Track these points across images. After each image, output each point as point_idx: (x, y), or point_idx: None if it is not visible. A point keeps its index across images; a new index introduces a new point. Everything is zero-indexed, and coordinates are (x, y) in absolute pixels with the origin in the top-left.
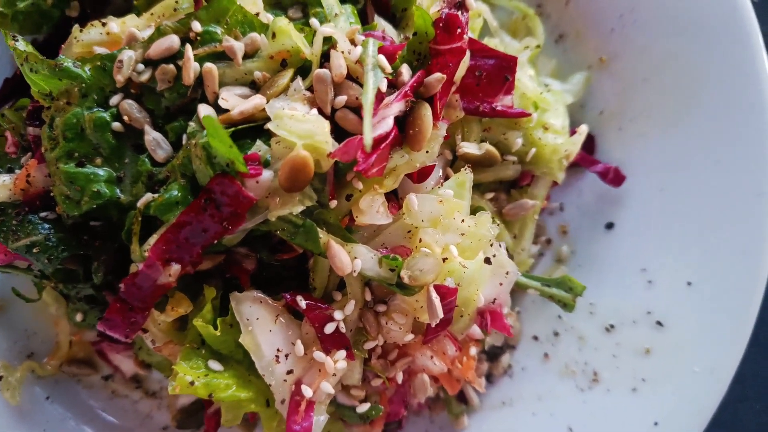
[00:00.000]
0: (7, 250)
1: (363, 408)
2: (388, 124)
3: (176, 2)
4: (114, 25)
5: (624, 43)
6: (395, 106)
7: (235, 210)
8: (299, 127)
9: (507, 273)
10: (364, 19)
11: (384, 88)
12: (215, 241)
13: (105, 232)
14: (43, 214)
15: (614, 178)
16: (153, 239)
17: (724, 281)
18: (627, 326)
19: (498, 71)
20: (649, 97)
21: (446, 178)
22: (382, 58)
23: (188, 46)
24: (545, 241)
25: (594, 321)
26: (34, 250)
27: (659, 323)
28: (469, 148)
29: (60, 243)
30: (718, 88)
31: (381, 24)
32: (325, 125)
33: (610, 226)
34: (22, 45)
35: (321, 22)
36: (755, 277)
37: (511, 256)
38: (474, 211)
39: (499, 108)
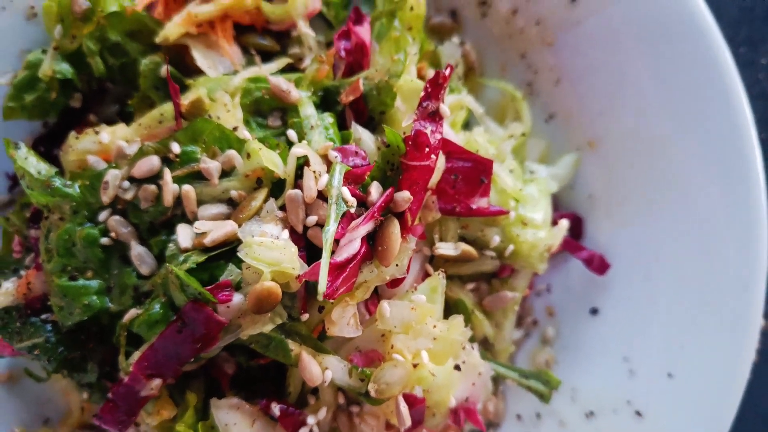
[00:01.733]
0: (13, 349)
1: None
2: (354, 247)
3: (161, 114)
4: (105, 135)
5: (612, 127)
6: (362, 229)
7: (208, 333)
8: (267, 255)
9: (480, 374)
10: (343, 123)
11: (348, 219)
12: (192, 359)
13: (98, 334)
14: (43, 316)
15: (599, 266)
16: (136, 356)
17: (705, 375)
18: (607, 414)
19: (474, 174)
20: (636, 183)
21: (425, 274)
22: (345, 191)
23: (167, 170)
24: (531, 322)
25: (575, 406)
26: (35, 352)
27: (638, 413)
28: (446, 249)
29: (59, 344)
30: (706, 178)
31: (358, 132)
32: (293, 251)
33: (594, 311)
34: (23, 152)
35: (298, 134)
36: (736, 373)
37: (492, 345)
38: (454, 303)
39: (475, 208)
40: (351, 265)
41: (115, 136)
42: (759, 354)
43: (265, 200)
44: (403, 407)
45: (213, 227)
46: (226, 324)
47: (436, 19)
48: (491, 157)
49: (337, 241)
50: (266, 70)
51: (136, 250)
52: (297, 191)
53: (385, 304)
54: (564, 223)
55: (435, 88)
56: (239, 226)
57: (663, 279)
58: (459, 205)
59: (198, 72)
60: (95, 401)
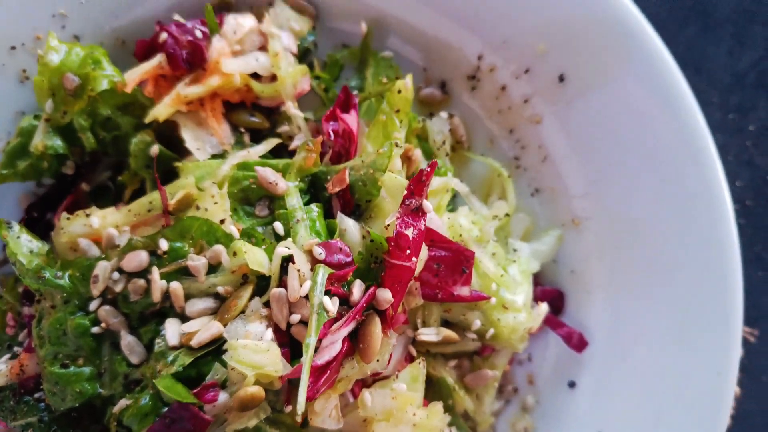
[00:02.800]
0: (6, 426)
1: None
2: (336, 348)
3: (150, 203)
4: (96, 219)
5: (596, 208)
6: (344, 330)
7: (195, 428)
8: (252, 358)
9: None
10: (329, 210)
11: (330, 321)
12: None
13: (91, 414)
14: (37, 395)
15: (577, 343)
16: None
17: None
18: None
19: (456, 263)
20: (617, 263)
21: (409, 355)
22: (327, 301)
23: (155, 269)
24: (512, 389)
25: None
26: (29, 431)
27: None
28: (428, 335)
29: (52, 423)
30: (686, 264)
31: (344, 223)
32: (276, 353)
33: (572, 384)
34: (15, 231)
35: (284, 227)
36: None
37: (472, 418)
38: (436, 380)
39: (456, 294)
40: (332, 365)
41: (105, 221)
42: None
43: (251, 297)
44: None
45: (200, 326)
46: (211, 422)
47: (426, 90)
48: (475, 239)
49: (319, 340)
50: (254, 153)
51: (126, 339)
52: (281, 290)
53: (366, 393)
54: (544, 307)
55: (418, 185)
56: (225, 324)
57: (640, 360)
58: (441, 292)
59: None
60: None
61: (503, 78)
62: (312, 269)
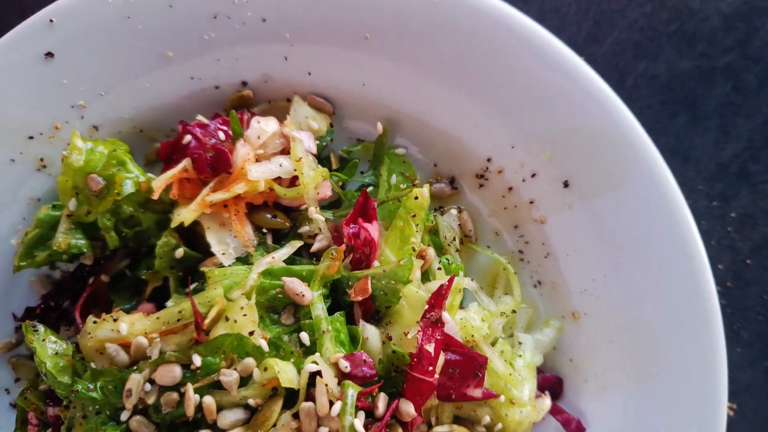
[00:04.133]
0: None
1: None
2: None
3: (179, 312)
4: (124, 326)
5: (595, 304)
6: None
7: None
8: None
9: None
10: (350, 316)
11: None
12: None
13: None
14: None
15: (575, 429)
16: None
17: None
18: None
19: (470, 367)
20: (614, 357)
21: None
22: (357, 424)
23: (189, 386)
24: None
25: None
26: None
27: None
28: None
29: None
30: (679, 359)
31: (366, 331)
32: None
33: None
34: (41, 333)
35: (310, 337)
36: None
37: None
38: None
39: (469, 395)
40: None
41: (133, 328)
42: None
43: (281, 411)
44: None
45: None
46: None
47: (437, 186)
48: (484, 337)
49: None
50: (279, 258)
51: None
52: (310, 404)
53: None
54: (547, 402)
55: (438, 299)
56: None
57: None
58: (455, 393)
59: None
60: None
61: (510, 179)
62: (339, 383)
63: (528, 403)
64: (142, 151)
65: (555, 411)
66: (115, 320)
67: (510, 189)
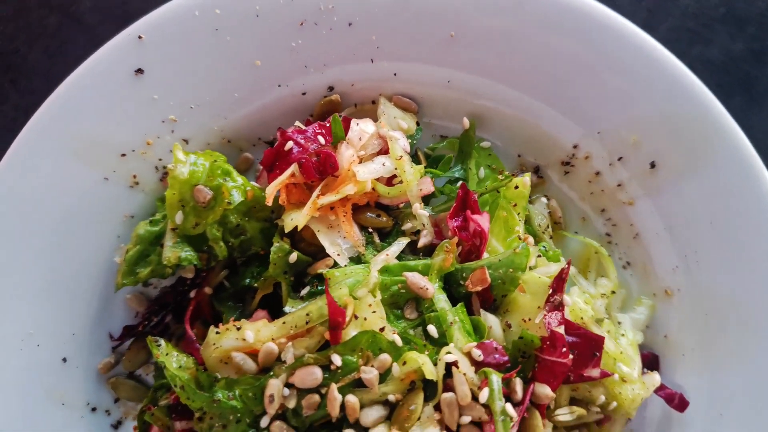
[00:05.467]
0: None
1: None
2: None
3: (307, 315)
4: (250, 334)
5: (688, 280)
6: (513, 430)
7: None
8: None
9: None
10: (470, 309)
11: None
12: None
13: None
14: None
15: (679, 404)
16: None
17: None
18: None
19: (588, 348)
20: (710, 332)
21: None
22: (509, 407)
23: (333, 386)
24: None
25: None
26: None
27: None
28: (563, 415)
29: None
30: None
31: (488, 320)
32: None
33: None
34: (163, 348)
35: (438, 330)
36: None
37: None
38: None
39: (586, 376)
40: None
41: (259, 335)
42: None
43: (423, 404)
44: None
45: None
46: None
47: None
48: (591, 319)
49: None
50: (392, 255)
51: None
52: (451, 395)
53: None
54: (656, 377)
55: (559, 283)
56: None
57: (737, 415)
58: (573, 375)
59: (314, 247)
60: None
61: (597, 165)
62: (476, 372)
63: (637, 380)
64: (232, 162)
65: (657, 388)
66: (238, 329)
67: (597, 174)
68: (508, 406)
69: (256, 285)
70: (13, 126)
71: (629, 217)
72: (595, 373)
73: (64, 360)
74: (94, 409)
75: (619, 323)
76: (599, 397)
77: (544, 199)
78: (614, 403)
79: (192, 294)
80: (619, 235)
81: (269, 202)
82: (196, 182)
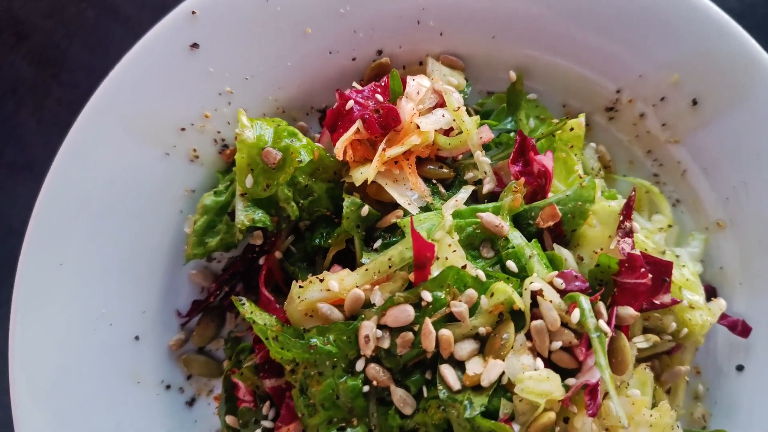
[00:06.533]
0: None
1: None
2: (596, 374)
3: (389, 260)
4: (334, 283)
5: (739, 211)
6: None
7: None
8: (540, 387)
9: None
10: (542, 246)
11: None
12: None
13: None
14: None
15: (742, 330)
16: None
17: None
18: None
19: (658, 275)
20: (765, 257)
21: None
22: (602, 323)
23: (427, 320)
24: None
25: None
26: None
27: None
28: (640, 343)
29: None
30: None
31: (562, 253)
32: (558, 380)
33: (740, 368)
34: (247, 307)
35: (517, 264)
36: None
37: None
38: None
39: (658, 303)
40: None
41: (344, 284)
42: None
43: (514, 333)
44: None
45: (479, 367)
46: None
47: None
48: (654, 251)
49: (583, 362)
50: (461, 200)
51: (397, 393)
52: (540, 322)
53: (610, 403)
54: (722, 302)
55: (628, 210)
56: (496, 361)
57: None
58: (646, 302)
59: (379, 204)
60: None
61: (641, 107)
62: (561, 299)
63: (704, 306)
64: None
65: (720, 317)
66: (321, 281)
67: (641, 116)
68: (601, 323)
69: (329, 242)
70: (56, 120)
71: (676, 156)
72: (666, 299)
73: (137, 338)
74: (168, 387)
75: (677, 256)
76: (670, 324)
77: (593, 144)
78: (685, 330)
79: (261, 261)
80: (667, 174)
81: (340, 157)
82: (264, 145)
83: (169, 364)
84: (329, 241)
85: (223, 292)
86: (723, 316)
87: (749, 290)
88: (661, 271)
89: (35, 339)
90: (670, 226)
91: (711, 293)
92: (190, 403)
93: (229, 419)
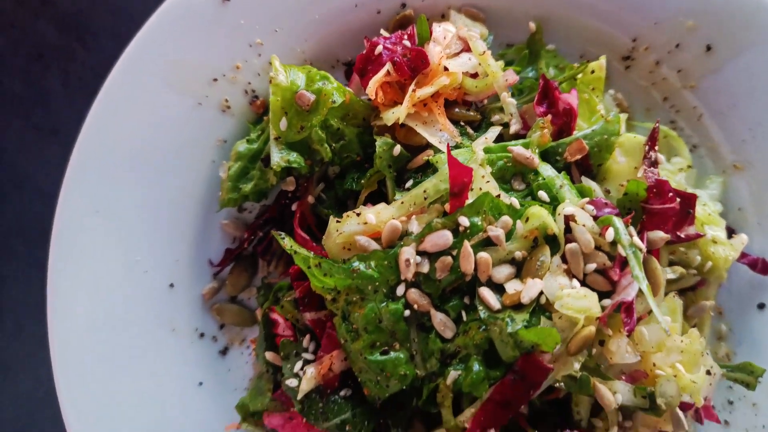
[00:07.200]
0: (311, 427)
1: None
2: (635, 288)
3: (424, 192)
4: (371, 216)
5: (756, 151)
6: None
7: (537, 380)
8: (578, 304)
9: (714, 374)
10: (570, 179)
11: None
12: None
13: (399, 401)
14: (342, 393)
15: (762, 268)
16: (470, 412)
17: None
18: None
19: (682, 207)
20: None
21: None
22: (636, 240)
23: (466, 242)
24: None
25: (762, 389)
26: (347, 428)
27: None
28: (668, 275)
29: (364, 417)
30: None
31: (590, 184)
32: (595, 298)
33: (761, 306)
34: (288, 242)
35: (548, 194)
36: None
37: None
38: None
39: (683, 236)
40: (634, 304)
41: (381, 217)
42: None
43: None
44: (681, 414)
45: (515, 287)
46: (552, 371)
47: None
48: (676, 187)
49: (617, 282)
50: (490, 139)
51: (438, 317)
52: (575, 245)
53: (643, 329)
54: (744, 237)
55: (652, 141)
56: (534, 280)
57: None
58: (672, 234)
59: (408, 148)
60: None
61: (657, 55)
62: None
63: (726, 242)
64: None
65: (740, 256)
66: (358, 215)
67: (657, 63)
68: (636, 239)
69: (361, 182)
70: (83, 84)
71: (692, 101)
72: (691, 230)
73: (171, 285)
74: (202, 335)
75: (698, 197)
76: (695, 258)
77: (611, 92)
78: (709, 264)
79: (294, 207)
80: (684, 120)
81: (372, 96)
82: (297, 89)
83: (202, 313)
84: (362, 181)
85: (256, 239)
86: (743, 255)
87: (766, 232)
88: (685, 203)
89: (72, 286)
90: (689, 167)
91: (730, 234)
92: (223, 352)
93: (269, 355)
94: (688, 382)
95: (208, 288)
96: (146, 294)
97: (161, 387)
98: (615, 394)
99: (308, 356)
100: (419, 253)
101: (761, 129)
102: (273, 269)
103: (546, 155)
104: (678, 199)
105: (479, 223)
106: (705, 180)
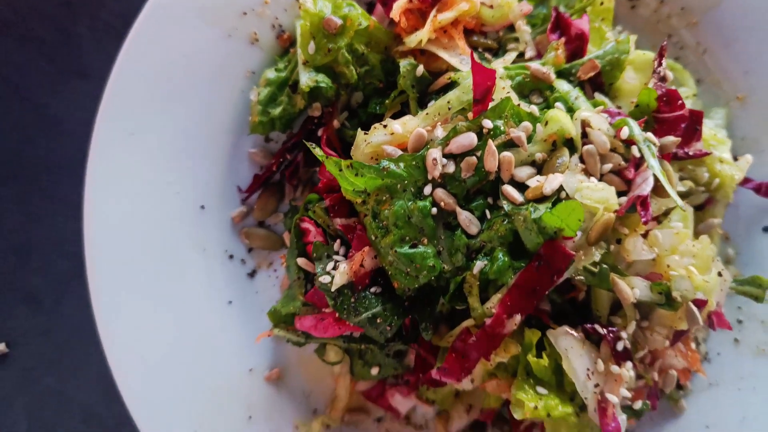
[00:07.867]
0: (342, 324)
1: (637, 405)
2: (650, 183)
3: (448, 102)
4: (398, 126)
5: (759, 82)
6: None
7: (560, 267)
8: (596, 195)
9: (725, 280)
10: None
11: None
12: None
13: (426, 296)
14: (372, 290)
15: (766, 191)
16: (496, 298)
17: None
18: None
19: (690, 123)
20: None
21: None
22: (650, 135)
23: (490, 142)
24: None
25: None
26: (378, 321)
27: None
28: (679, 187)
29: (394, 312)
30: None
31: (603, 99)
32: (613, 191)
33: (766, 229)
34: (318, 148)
35: (565, 105)
36: None
37: None
38: None
39: (691, 153)
40: (649, 199)
41: (407, 127)
42: None
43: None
44: (695, 309)
45: (539, 181)
46: (574, 257)
47: None
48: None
49: (632, 181)
50: (508, 61)
51: (463, 215)
52: (591, 146)
53: (657, 233)
54: (749, 157)
55: (660, 57)
56: (555, 174)
57: None
58: (679, 151)
59: (429, 70)
60: (385, 373)
61: None
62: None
63: (731, 162)
64: None
65: (745, 181)
66: (385, 126)
67: (661, 2)
68: (649, 134)
69: (386, 103)
70: (110, 30)
71: (696, 36)
72: (699, 146)
73: (202, 207)
74: (231, 257)
75: None
76: (703, 175)
77: (618, 28)
78: (716, 181)
79: (320, 132)
80: (688, 56)
81: (396, 19)
82: (324, 14)
83: (232, 236)
84: (386, 102)
85: (284, 163)
86: (748, 180)
87: None
88: (693, 120)
89: (108, 203)
90: (695, 95)
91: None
92: (252, 274)
93: (301, 261)
94: (701, 282)
95: (237, 212)
96: (178, 214)
97: (193, 304)
98: (633, 289)
99: (339, 258)
100: (445, 155)
101: (765, 58)
102: (299, 194)
103: (561, 76)
104: (687, 108)
105: (502, 126)
106: (709, 111)
